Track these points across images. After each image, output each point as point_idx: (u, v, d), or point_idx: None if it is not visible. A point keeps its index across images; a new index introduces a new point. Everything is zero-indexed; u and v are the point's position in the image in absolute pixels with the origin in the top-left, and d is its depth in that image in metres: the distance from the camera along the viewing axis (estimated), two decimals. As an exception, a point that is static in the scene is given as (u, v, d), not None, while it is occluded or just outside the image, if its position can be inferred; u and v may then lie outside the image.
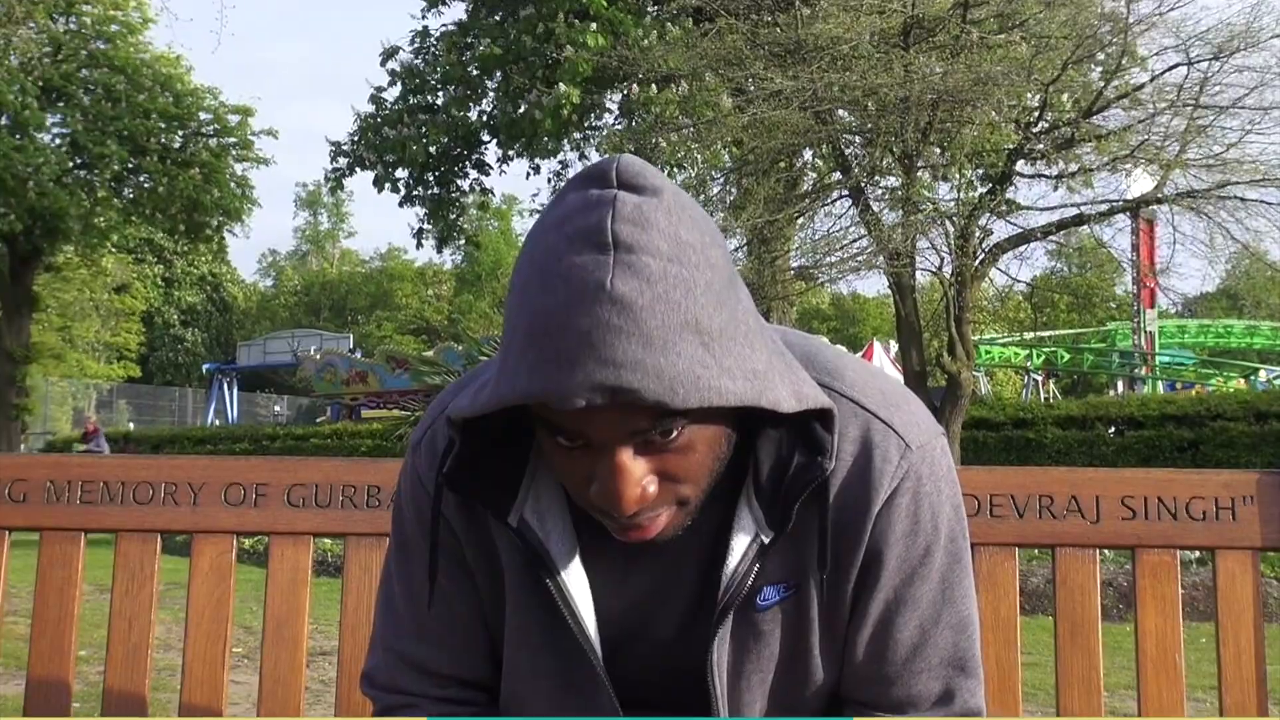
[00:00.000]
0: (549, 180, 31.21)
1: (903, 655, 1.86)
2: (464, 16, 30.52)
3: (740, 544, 1.77)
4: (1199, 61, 15.82)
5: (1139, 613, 2.65)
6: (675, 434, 1.61)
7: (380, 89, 31.41)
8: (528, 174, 33.38)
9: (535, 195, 38.29)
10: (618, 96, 27.84)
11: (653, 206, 1.57)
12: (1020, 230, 17.37)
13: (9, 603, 2.96)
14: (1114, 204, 17.52)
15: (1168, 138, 16.28)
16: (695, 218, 1.62)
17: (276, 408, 69.42)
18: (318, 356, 46.84)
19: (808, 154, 21.02)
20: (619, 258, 1.52)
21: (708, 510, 1.79)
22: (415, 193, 31.94)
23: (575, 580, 1.82)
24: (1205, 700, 7.38)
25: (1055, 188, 18.01)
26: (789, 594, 1.84)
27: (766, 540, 1.76)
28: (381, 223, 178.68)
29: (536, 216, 1.67)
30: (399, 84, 31.11)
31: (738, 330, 1.62)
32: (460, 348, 28.63)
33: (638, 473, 1.61)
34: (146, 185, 34.75)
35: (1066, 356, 49.39)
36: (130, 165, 34.12)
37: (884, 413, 1.84)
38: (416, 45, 31.20)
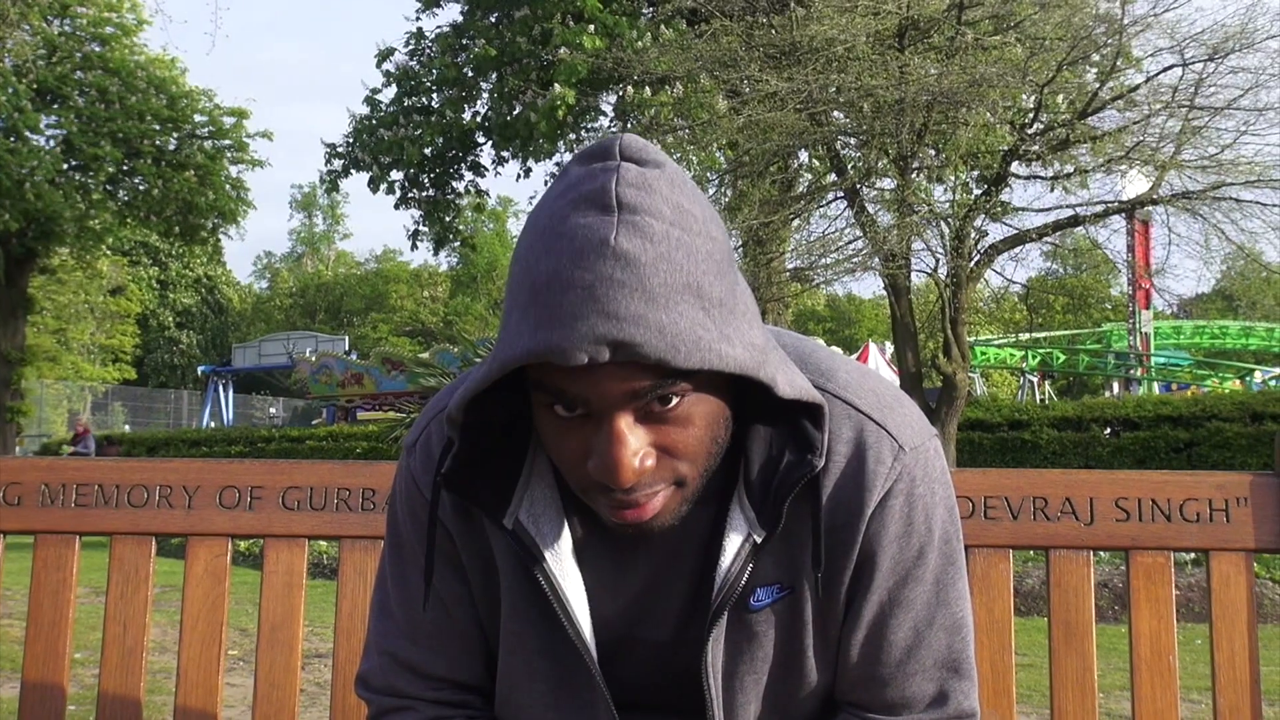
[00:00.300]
0: (545, 182, 31.23)
1: (896, 657, 1.86)
2: (459, 18, 30.55)
3: (733, 544, 1.76)
4: (1194, 63, 15.83)
5: (1133, 614, 2.65)
6: (675, 402, 1.61)
7: (375, 90, 31.47)
8: (518, 176, 33.32)
9: (532, 198, 38.26)
10: (613, 98, 27.87)
11: (655, 176, 1.60)
12: (1015, 231, 17.37)
13: (4, 606, 2.97)
14: (1109, 205, 17.51)
15: (1163, 139, 16.28)
16: (696, 194, 1.64)
17: (272, 410, 69.46)
18: (313, 359, 46.91)
19: (803, 155, 21.05)
20: (623, 218, 1.54)
21: (701, 511, 1.80)
22: (411, 195, 31.98)
23: (570, 583, 1.82)
24: (1200, 702, 7.39)
25: (1050, 189, 18.02)
26: (782, 595, 1.84)
27: (759, 539, 1.76)
28: (377, 225, 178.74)
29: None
30: (394, 85, 31.13)
31: (736, 305, 1.63)
32: (456, 349, 28.66)
33: (636, 442, 1.60)
34: (141, 187, 34.72)
35: (1062, 358, 49.44)
36: (125, 167, 34.08)
37: (877, 414, 1.84)
38: (412, 47, 31.23)
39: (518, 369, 1.64)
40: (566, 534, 1.84)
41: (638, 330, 1.50)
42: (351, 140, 31.24)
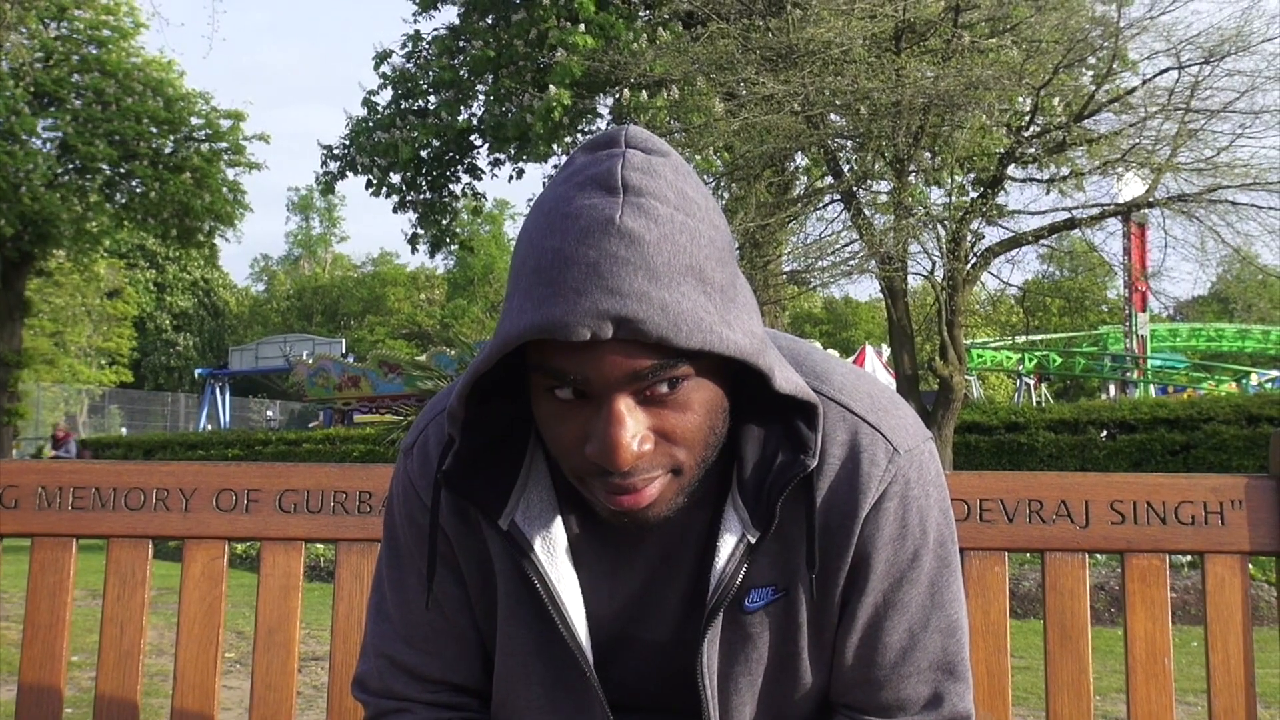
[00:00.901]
0: (543, 183, 31.20)
1: (891, 659, 1.87)
2: (456, 20, 30.54)
3: (727, 544, 1.77)
4: (1190, 65, 15.77)
5: (1128, 617, 2.65)
6: (674, 386, 1.61)
7: (373, 93, 31.48)
8: (510, 178, 33.41)
9: (529, 200, 38.30)
10: (609, 101, 27.84)
11: (661, 162, 1.62)
12: (1012, 234, 17.31)
13: (1, 608, 2.96)
14: (1105, 208, 17.44)
15: (1159, 141, 16.24)
16: (699, 185, 1.66)
17: (269, 412, 69.44)
18: (310, 361, 46.88)
19: (799, 158, 21.04)
20: (628, 199, 1.56)
21: (696, 513, 1.81)
22: (408, 198, 31.98)
23: (566, 585, 1.82)
24: (1196, 704, 7.39)
25: (1047, 191, 17.99)
26: (777, 597, 1.85)
27: (753, 540, 1.76)
28: (374, 228, 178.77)
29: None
30: (391, 88, 31.14)
31: (737, 294, 1.65)
32: (453, 352, 28.57)
33: (635, 424, 1.61)
34: (138, 190, 34.69)
35: (1058, 360, 49.36)
36: (121, 170, 34.06)
37: (872, 417, 1.85)
38: (409, 49, 31.24)
39: (520, 358, 1.66)
40: (562, 535, 1.84)
41: (640, 306, 1.51)
42: (348, 143, 31.25)
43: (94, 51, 33.95)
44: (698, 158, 19.05)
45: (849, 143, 18.35)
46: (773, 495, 1.74)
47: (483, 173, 32.53)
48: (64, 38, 33.99)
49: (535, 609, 1.87)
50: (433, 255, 35.39)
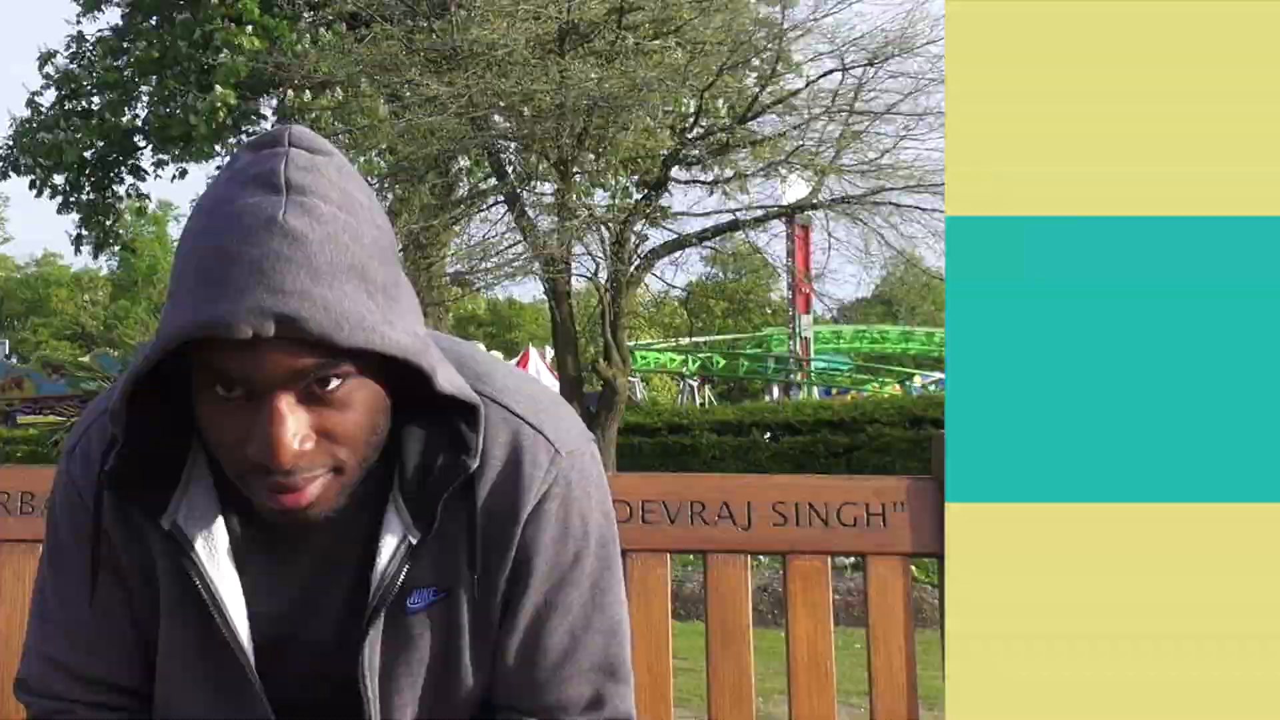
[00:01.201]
0: (208, 183, 30.72)
1: (553, 660, 1.89)
2: (120, 22, 30.01)
3: (389, 545, 1.78)
4: (854, 67, 15.85)
5: (790, 619, 2.70)
6: (336, 384, 1.61)
7: (36, 93, 30.75)
8: (172, 178, 33.01)
9: (192, 201, 37.69)
10: (273, 102, 27.59)
11: (324, 162, 1.62)
12: (676, 236, 17.32)
13: None
14: (769, 210, 17.53)
15: (823, 143, 16.32)
16: (363, 185, 1.67)
17: (-71, 413, 67.69)
18: (-30, 362, 45.94)
19: (463, 160, 21.02)
20: (291, 198, 1.55)
21: (360, 515, 1.81)
22: (72, 199, 31.38)
23: (227, 585, 1.81)
24: (859, 706, 7.51)
25: (710, 193, 17.90)
26: (439, 598, 1.86)
27: (414, 541, 1.77)
28: (37, 229, 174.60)
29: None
30: (55, 88, 30.50)
31: (400, 295, 1.65)
32: (116, 354, 28.22)
33: (296, 423, 1.60)
34: None
35: (722, 362, 49.49)
36: None
37: (534, 418, 1.86)
38: (73, 50, 30.59)
39: (183, 359, 1.64)
40: (223, 535, 1.83)
41: (303, 305, 1.50)
42: (12, 143, 30.55)
43: None
44: (361, 159, 18.97)
45: (513, 144, 18.34)
46: (434, 496, 1.76)
47: (147, 174, 31.84)
48: None
49: (197, 609, 1.84)
50: (96, 257, 34.59)
